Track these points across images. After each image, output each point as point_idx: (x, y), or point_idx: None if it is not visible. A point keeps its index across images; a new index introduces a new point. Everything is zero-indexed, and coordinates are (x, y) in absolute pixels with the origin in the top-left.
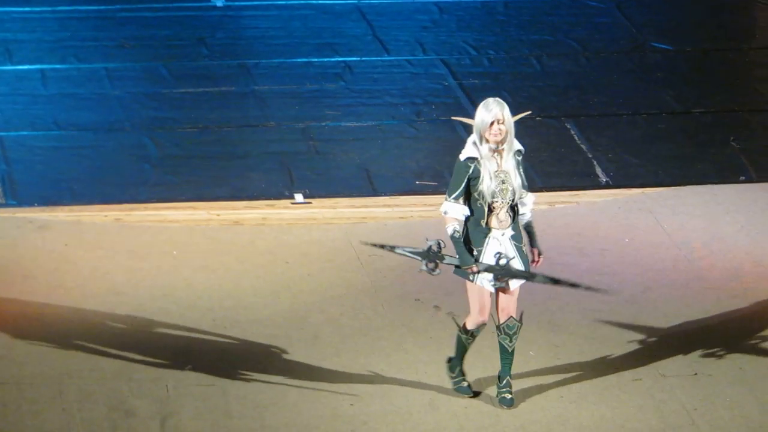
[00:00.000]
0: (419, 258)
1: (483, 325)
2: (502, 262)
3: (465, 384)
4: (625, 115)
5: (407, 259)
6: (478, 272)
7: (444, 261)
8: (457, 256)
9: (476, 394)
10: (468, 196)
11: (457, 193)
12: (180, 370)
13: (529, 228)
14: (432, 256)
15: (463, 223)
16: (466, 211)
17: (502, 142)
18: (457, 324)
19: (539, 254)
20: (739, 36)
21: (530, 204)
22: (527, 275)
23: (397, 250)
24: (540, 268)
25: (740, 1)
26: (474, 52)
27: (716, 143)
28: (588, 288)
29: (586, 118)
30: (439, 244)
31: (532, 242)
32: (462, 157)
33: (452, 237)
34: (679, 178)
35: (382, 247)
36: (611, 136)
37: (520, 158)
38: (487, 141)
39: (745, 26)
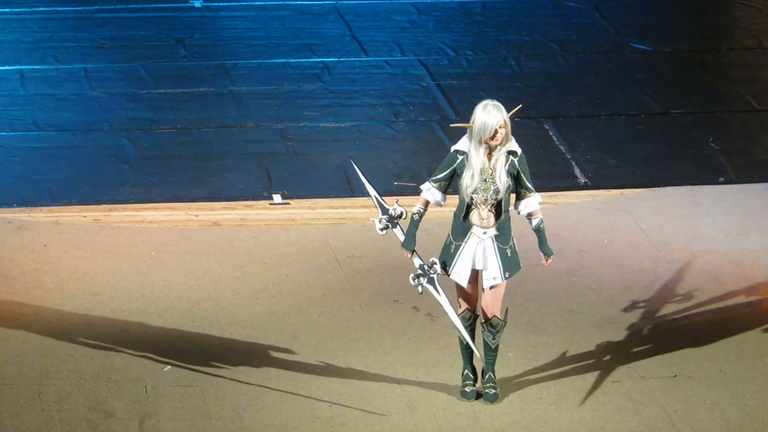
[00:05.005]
0: (379, 210)
1: (469, 312)
2: (431, 270)
3: (468, 389)
4: (604, 116)
5: (385, 261)
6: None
7: (393, 229)
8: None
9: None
10: (448, 187)
11: (438, 177)
12: (159, 371)
13: (538, 230)
14: (389, 218)
15: (427, 206)
16: (440, 198)
17: (502, 143)
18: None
19: (547, 257)
20: (718, 36)
21: (536, 204)
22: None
23: (370, 190)
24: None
25: (719, 1)
26: (452, 52)
27: (695, 144)
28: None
29: (564, 118)
30: (401, 213)
31: (541, 245)
32: (453, 148)
33: (412, 216)
34: (658, 179)
35: (364, 176)
36: (590, 137)
37: (515, 159)
38: (488, 144)
39: (724, 27)
